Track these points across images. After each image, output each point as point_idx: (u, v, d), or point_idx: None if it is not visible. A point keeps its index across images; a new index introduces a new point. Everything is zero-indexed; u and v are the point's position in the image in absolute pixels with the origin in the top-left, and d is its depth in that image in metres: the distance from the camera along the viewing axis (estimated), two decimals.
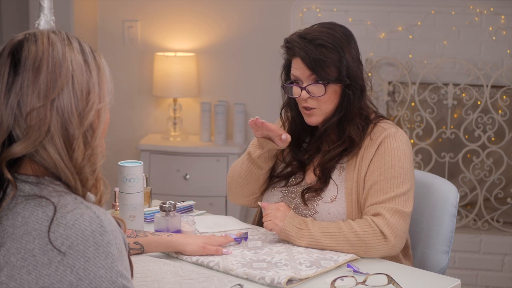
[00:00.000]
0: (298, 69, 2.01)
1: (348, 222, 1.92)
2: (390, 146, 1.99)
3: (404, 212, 1.93)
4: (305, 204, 2.01)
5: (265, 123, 1.99)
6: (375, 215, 1.93)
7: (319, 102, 2.01)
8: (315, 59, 1.97)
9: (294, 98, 2.07)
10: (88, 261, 1.14)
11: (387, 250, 1.90)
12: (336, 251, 1.88)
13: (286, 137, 2.00)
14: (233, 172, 2.17)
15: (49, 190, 1.20)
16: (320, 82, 1.99)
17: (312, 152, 2.09)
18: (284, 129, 2.17)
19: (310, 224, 1.92)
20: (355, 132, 2.01)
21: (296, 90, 2.04)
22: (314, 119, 2.04)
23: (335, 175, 2.04)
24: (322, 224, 1.93)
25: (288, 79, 2.09)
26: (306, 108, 2.03)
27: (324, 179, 2.02)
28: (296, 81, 2.04)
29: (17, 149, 1.19)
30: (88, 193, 1.25)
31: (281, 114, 2.19)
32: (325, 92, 1.99)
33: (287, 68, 2.09)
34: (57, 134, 1.20)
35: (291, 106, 2.12)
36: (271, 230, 1.94)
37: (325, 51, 1.98)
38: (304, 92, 2.01)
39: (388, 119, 2.09)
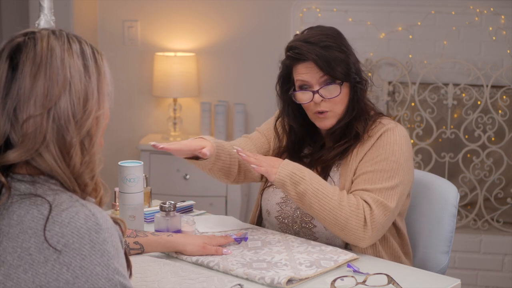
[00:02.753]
0: (307, 73, 1.98)
1: (342, 196, 1.89)
2: (386, 140, 1.98)
3: (387, 206, 1.90)
4: None
5: (164, 148, 1.88)
6: None
7: (332, 104, 1.99)
8: (327, 60, 1.96)
9: (291, 107, 2.05)
10: (84, 259, 1.14)
11: (358, 239, 1.88)
12: (315, 216, 1.88)
13: (208, 152, 1.91)
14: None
15: (44, 188, 1.19)
16: (333, 82, 1.98)
17: (316, 150, 2.08)
18: (279, 139, 2.13)
19: (307, 175, 1.89)
20: (362, 129, 2.01)
21: (306, 96, 2.00)
22: (328, 122, 2.02)
23: (333, 171, 2.04)
24: (321, 181, 1.90)
25: (286, 88, 2.06)
26: (320, 112, 2.01)
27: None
28: (303, 87, 2.01)
29: (12, 156, 1.19)
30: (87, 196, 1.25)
31: (275, 125, 2.16)
32: (340, 92, 1.98)
33: (284, 76, 2.06)
34: (52, 142, 1.19)
35: (289, 115, 2.09)
36: (265, 171, 1.89)
37: (333, 51, 1.97)
38: (317, 95, 1.98)
39: (387, 116, 2.09)
